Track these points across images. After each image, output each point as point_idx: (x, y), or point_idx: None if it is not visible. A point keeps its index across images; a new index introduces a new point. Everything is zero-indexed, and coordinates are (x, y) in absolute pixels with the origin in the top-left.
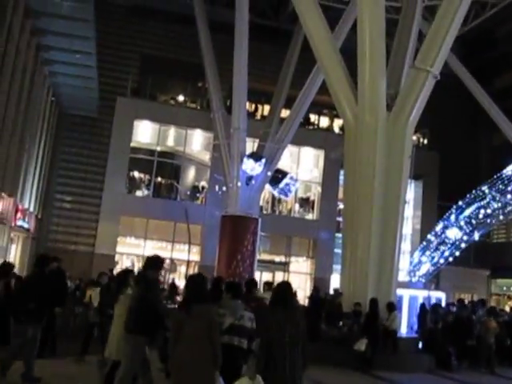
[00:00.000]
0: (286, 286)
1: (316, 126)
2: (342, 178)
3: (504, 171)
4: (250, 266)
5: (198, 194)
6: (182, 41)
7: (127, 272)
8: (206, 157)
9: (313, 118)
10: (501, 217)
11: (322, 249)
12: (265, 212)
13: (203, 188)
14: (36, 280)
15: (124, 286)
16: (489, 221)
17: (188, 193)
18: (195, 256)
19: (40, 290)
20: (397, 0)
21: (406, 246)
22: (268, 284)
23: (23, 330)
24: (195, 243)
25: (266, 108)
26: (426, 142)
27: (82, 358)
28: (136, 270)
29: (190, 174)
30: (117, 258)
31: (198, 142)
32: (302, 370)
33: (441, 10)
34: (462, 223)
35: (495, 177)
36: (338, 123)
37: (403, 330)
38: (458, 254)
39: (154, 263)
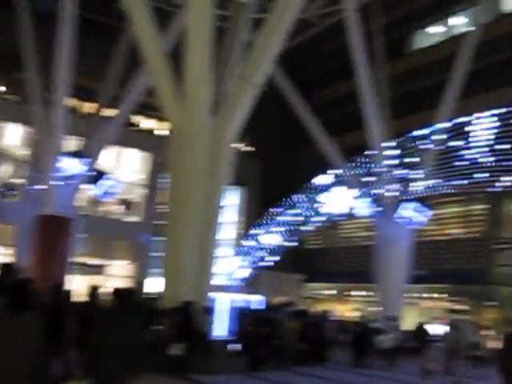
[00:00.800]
0: (127, 291)
1: (142, 128)
2: (162, 181)
3: (315, 181)
4: (63, 268)
5: (11, 192)
6: (2, 28)
7: None
8: (24, 152)
9: (139, 119)
10: (313, 224)
11: (143, 252)
12: (84, 213)
13: (19, 185)
14: None
15: None
16: (303, 228)
17: (1, 190)
18: (8, 258)
19: None
20: (227, 9)
21: (229, 250)
22: (95, 288)
23: None
24: (8, 244)
25: (91, 106)
26: (250, 149)
27: None
28: None
29: (5, 170)
30: None
31: (15, 136)
32: (130, 374)
33: (267, 23)
34: (279, 229)
35: (308, 186)
36: (163, 126)
37: (220, 333)
38: (275, 258)
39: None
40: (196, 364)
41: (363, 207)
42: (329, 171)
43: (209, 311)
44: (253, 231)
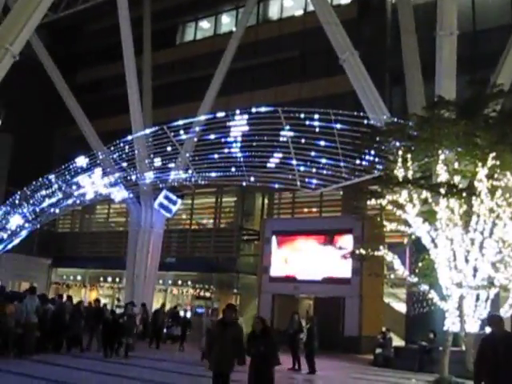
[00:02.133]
0: None
1: None
2: None
3: (73, 163)
4: None
5: None
6: None
7: None
8: None
9: None
10: (66, 207)
11: None
12: None
13: None
14: None
15: None
16: (53, 210)
17: None
18: None
19: None
20: None
21: None
22: None
23: None
24: None
25: None
26: None
27: None
28: None
29: None
30: None
31: None
32: None
33: None
34: (26, 210)
35: (64, 167)
36: None
37: None
38: (18, 241)
39: None
40: None
41: (119, 193)
42: (87, 153)
43: None
44: None
